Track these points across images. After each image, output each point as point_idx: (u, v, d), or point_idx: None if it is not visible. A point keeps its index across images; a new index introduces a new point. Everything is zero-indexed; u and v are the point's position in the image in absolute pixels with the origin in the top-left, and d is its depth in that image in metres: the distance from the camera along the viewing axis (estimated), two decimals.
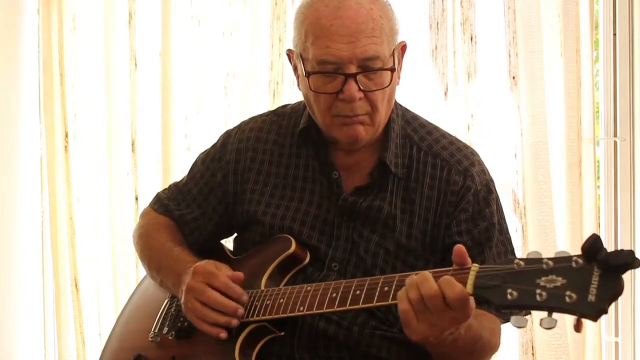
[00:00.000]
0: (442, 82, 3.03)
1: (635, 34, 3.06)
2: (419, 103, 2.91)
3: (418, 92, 3.02)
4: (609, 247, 1.96)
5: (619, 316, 3.14)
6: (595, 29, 3.06)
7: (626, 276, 3.27)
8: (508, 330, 2.95)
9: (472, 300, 1.57)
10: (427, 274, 1.59)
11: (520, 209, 2.98)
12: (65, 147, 3.41)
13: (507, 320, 1.85)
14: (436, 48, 3.03)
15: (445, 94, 3.03)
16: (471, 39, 3.00)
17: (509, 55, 2.97)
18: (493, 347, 1.85)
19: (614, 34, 3.14)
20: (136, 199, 3.37)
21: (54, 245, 3.43)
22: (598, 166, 3.06)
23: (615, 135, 3.13)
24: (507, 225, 1.98)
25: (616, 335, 3.15)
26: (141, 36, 3.36)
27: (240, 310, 1.83)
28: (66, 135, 3.41)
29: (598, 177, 3.05)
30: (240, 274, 1.86)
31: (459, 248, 1.61)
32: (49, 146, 3.42)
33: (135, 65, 3.35)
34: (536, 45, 2.92)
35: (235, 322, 1.82)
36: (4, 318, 3.49)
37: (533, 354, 2.94)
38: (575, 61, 2.92)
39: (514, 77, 2.97)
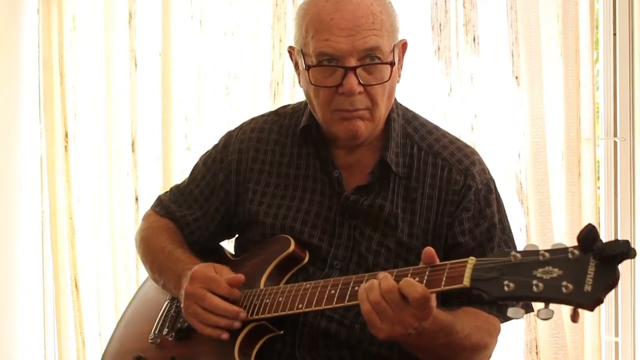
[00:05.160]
0: (446, 83, 3.04)
1: (635, 34, 3.06)
2: (423, 104, 2.92)
3: (422, 93, 3.03)
4: None
5: (619, 316, 3.13)
6: (596, 29, 3.06)
7: (626, 276, 3.27)
8: (513, 330, 2.96)
9: (433, 298, 1.60)
10: (387, 274, 1.63)
11: (524, 208, 2.98)
12: (65, 147, 3.41)
13: (506, 319, 1.85)
14: (439, 49, 3.04)
15: (449, 94, 3.03)
16: (474, 39, 3.01)
17: (512, 56, 2.98)
18: (477, 344, 1.80)
19: (614, 34, 3.14)
20: (136, 199, 3.36)
21: (54, 245, 3.43)
22: (598, 166, 3.05)
23: (615, 135, 3.13)
24: (509, 225, 1.98)
25: (616, 335, 3.15)
26: (141, 36, 3.35)
27: (243, 314, 1.83)
28: (66, 135, 3.41)
29: (598, 177, 3.04)
30: (241, 276, 1.87)
31: (428, 250, 1.64)
32: (49, 146, 3.42)
33: (135, 65, 3.35)
34: (535, 46, 2.92)
35: (237, 324, 1.83)
36: (4, 318, 3.49)
37: (537, 353, 2.95)
38: (575, 61, 2.92)
39: (517, 77, 2.97)
